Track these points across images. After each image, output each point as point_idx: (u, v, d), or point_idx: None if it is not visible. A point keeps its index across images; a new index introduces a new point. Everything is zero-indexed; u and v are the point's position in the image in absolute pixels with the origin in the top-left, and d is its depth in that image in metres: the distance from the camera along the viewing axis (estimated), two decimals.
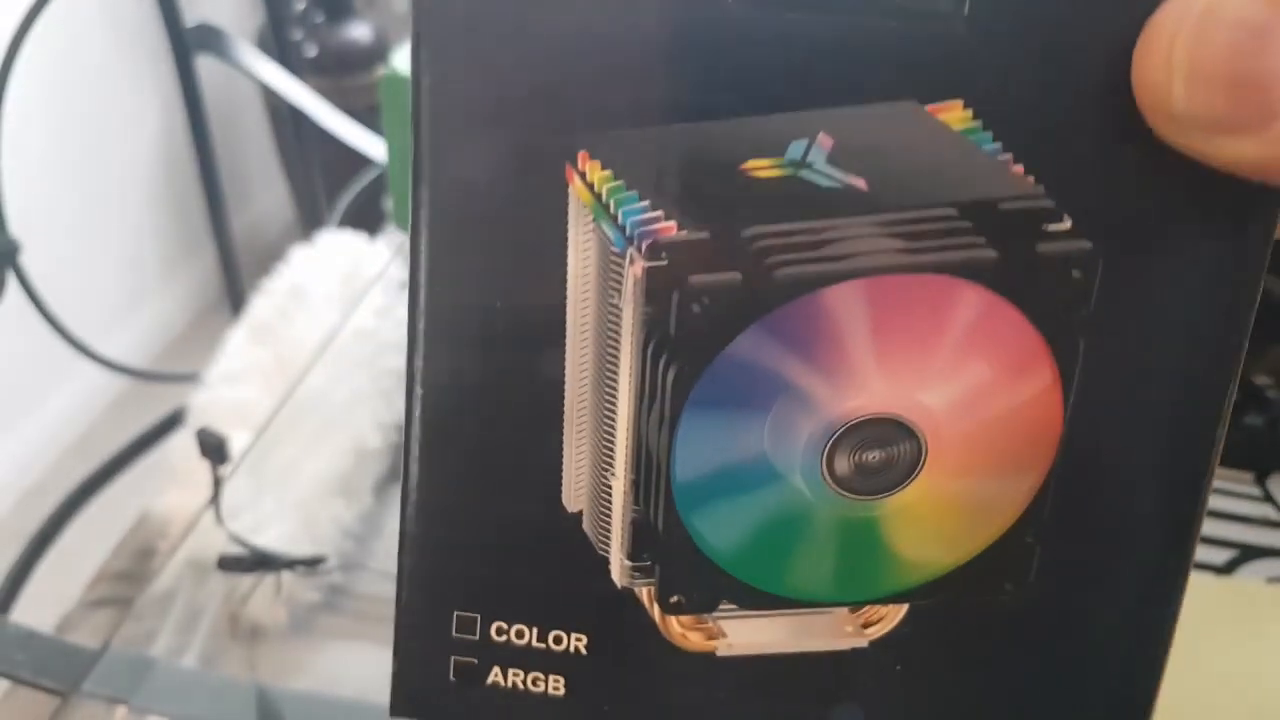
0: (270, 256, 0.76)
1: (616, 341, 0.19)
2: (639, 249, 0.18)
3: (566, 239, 0.19)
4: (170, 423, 0.82)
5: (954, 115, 0.17)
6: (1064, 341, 0.18)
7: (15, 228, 0.79)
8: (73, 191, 1.41)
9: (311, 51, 1.50)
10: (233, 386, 0.66)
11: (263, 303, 0.71)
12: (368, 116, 0.91)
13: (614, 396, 0.19)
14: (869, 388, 0.18)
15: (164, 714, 0.44)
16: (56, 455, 1.40)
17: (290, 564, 0.53)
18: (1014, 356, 0.18)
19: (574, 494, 0.20)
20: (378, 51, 1.50)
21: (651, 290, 0.18)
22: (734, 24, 0.17)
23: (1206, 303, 0.18)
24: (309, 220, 1.31)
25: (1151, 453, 0.19)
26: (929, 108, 0.17)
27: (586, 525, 0.20)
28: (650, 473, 0.19)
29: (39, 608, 0.62)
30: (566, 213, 0.19)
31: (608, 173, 0.18)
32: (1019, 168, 0.17)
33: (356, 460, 0.58)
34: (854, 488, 0.19)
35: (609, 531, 0.20)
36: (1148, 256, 0.18)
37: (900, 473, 0.19)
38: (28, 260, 0.81)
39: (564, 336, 0.19)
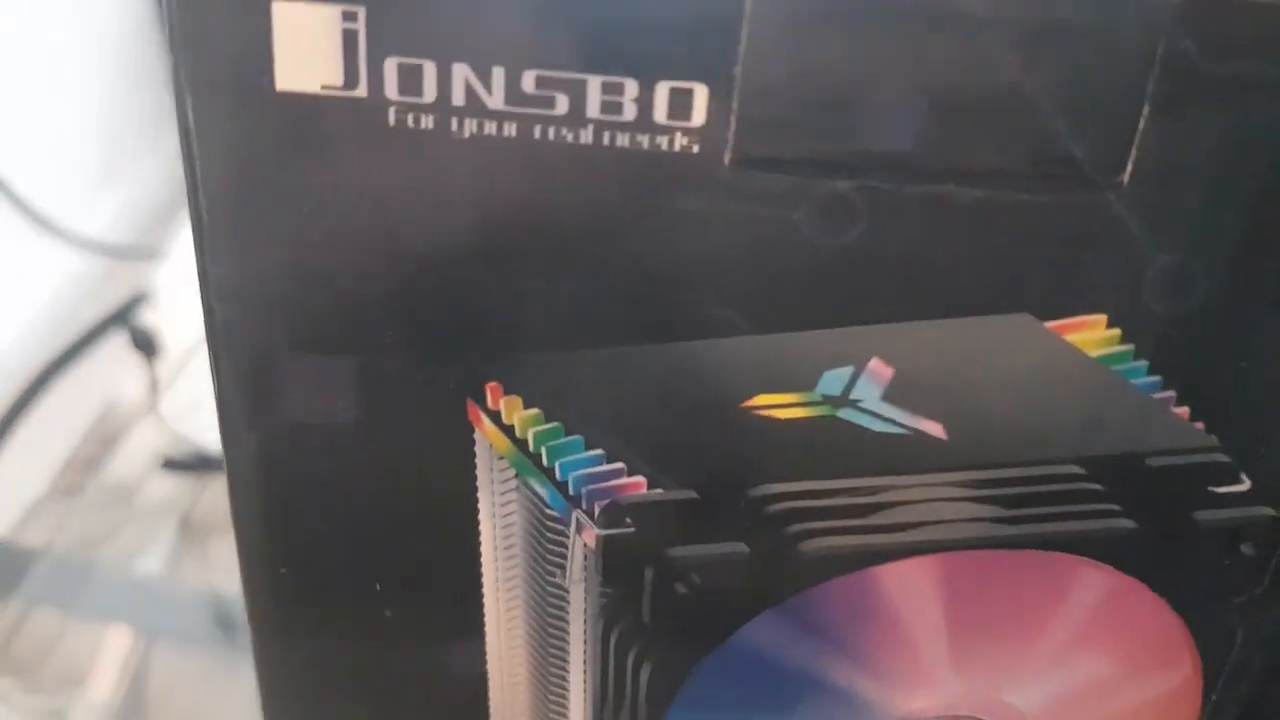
0: None
1: (563, 628, 0.13)
2: (589, 512, 0.12)
3: (475, 499, 0.12)
4: (137, 301, 0.75)
5: (1092, 335, 0.11)
6: (1215, 632, 0.12)
7: None
8: (38, 61, 1.23)
9: None
10: None
11: None
12: None
13: (562, 695, 0.13)
14: (938, 684, 0.13)
15: (108, 619, 0.41)
16: (33, 338, 1.30)
17: None
18: (1143, 650, 0.13)
19: None
20: None
21: (612, 565, 0.12)
22: (730, 195, 0.10)
23: None
24: None
25: None
26: (1051, 325, 0.11)
27: None
28: None
29: (4, 495, 0.58)
30: (473, 466, 0.12)
31: (533, 412, 0.12)
32: (1184, 410, 0.11)
33: None
34: None
35: None
36: None
37: None
38: None
39: (481, 624, 0.13)
